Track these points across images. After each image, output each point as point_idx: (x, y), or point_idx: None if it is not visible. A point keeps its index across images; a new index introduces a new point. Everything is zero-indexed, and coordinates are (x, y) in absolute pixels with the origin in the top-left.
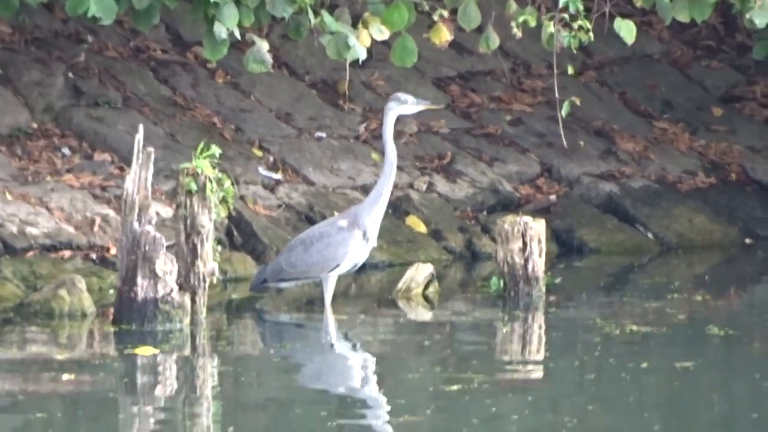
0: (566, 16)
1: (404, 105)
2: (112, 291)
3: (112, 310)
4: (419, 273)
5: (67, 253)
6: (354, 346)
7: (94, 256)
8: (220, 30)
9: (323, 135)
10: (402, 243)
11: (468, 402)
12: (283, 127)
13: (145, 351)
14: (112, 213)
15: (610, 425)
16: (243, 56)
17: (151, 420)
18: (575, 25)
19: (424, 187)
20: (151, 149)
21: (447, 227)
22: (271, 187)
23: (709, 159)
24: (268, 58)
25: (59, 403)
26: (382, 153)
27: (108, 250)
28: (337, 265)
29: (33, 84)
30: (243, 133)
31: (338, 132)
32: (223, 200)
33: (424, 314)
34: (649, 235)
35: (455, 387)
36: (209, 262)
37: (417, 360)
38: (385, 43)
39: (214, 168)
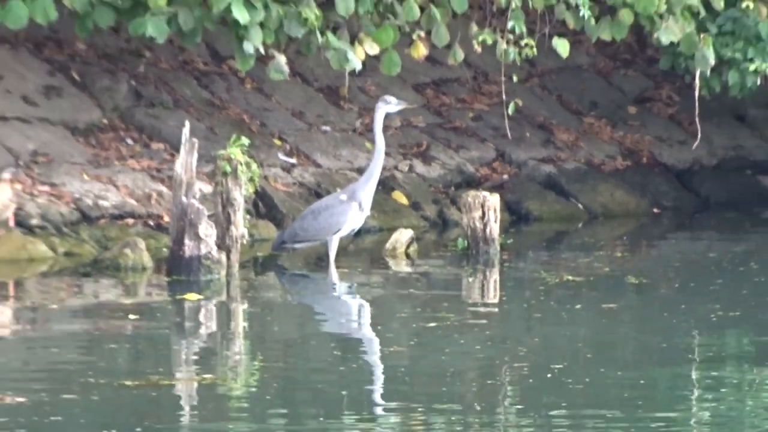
0: (511, 36)
1: (390, 105)
2: (165, 250)
3: (165, 264)
4: (402, 236)
5: (130, 221)
6: (353, 294)
7: (151, 222)
8: (248, 47)
9: (328, 128)
10: (389, 212)
11: (441, 336)
12: (297, 122)
13: (191, 297)
14: (165, 189)
15: (552, 353)
16: (266, 67)
17: (197, 350)
18: (522, 43)
19: (406, 168)
20: (195, 140)
21: (424, 200)
22: (288, 169)
23: (626, 147)
24: (286, 68)
25: (126, 337)
26: (374, 142)
27: (162, 218)
28: (339, 230)
29: (104, 89)
30: (266, 127)
31: (339, 126)
32: (251, 179)
33: (407, 268)
34: (580, 206)
35: (432, 324)
36: (240, 227)
37: (401, 304)
38: (376, 57)
39: (243, 154)
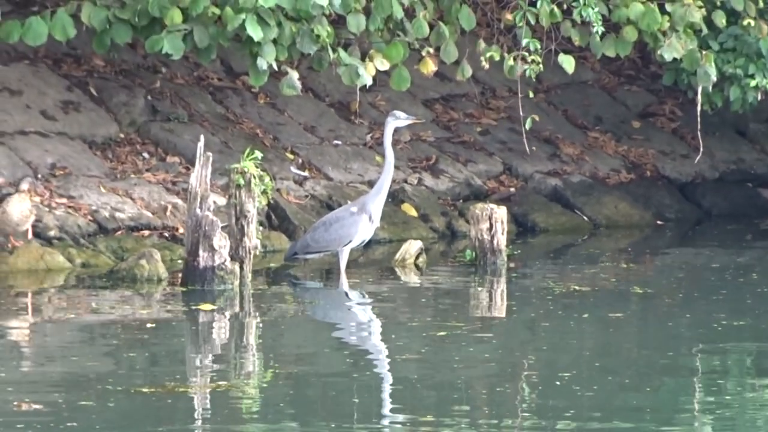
0: (526, 53)
1: (399, 119)
2: (180, 261)
3: (180, 275)
4: (411, 247)
5: (146, 232)
6: (363, 303)
7: (166, 234)
8: (262, 63)
9: (339, 142)
10: (398, 224)
11: (451, 344)
12: (309, 136)
13: (205, 306)
14: (180, 202)
15: (559, 361)
16: (279, 83)
17: (211, 358)
18: (530, 59)
19: (415, 181)
20: (209, 154)
21: (432, 212)
22: (300, 182)
23: (630, 160)
24: (298, 84)
25: (142, 346)
26: (384, 156)
27: (177, 229)
28: (350, 241)
29: (121, 104)
30: (279, 141)
31: (350, 140)
32: (264, 192)
33: (416, 279)
34: (585, 218)
35: (441, 333)
36: (253, 239)
37: (411, 313)
38: (386, 73)
39: (257, 167)
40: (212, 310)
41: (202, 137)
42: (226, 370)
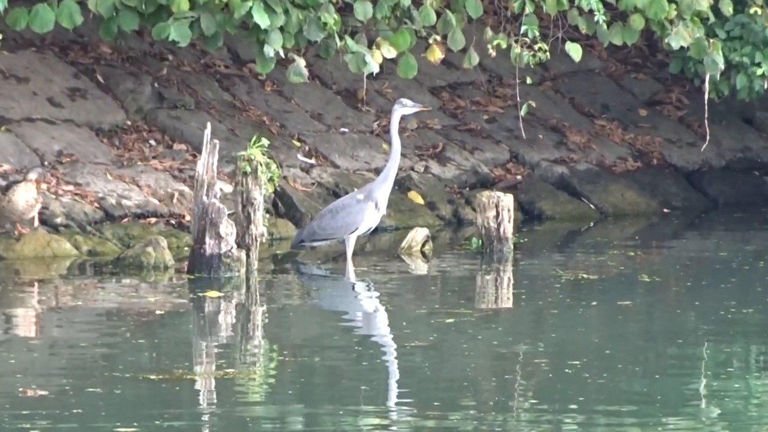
0: (527, 39)
1: (406, 107)
2: (186, 248)
3: (186, 262)
4: (418, 235)
5: (153, 220)
6: (369, 290)
7: (173, 221)
8: (269, 50)
9: (346, 130)
10: (405, 212)
11: (459, 330)
12: (316, 124)
13: (212, 294)
14: (187, 189)
15: (568, 349)
16: (286, 70)
17: (218, 345)
18: (536, 47)
19: (422, 169)
20: (216, 141)
21: (439, 200)
22: (307, 169)
23: (637, 148)
24: (305, 71)
25: (149, 333)
26: (390, 144)
27: (184, 217)
28: (356, 229)
29: (127, 91)
30: (286, 129)
31: (357, 128)
32: (271, 179)
33: (422, 266)
34: (591, 206)
35: (449, 320)
36: (260, 226)
37: (418, 300)
38: (393, 61)
39: (263, 155)
40: (219, 298)
41: (208, 124)
42: (232, 357)
